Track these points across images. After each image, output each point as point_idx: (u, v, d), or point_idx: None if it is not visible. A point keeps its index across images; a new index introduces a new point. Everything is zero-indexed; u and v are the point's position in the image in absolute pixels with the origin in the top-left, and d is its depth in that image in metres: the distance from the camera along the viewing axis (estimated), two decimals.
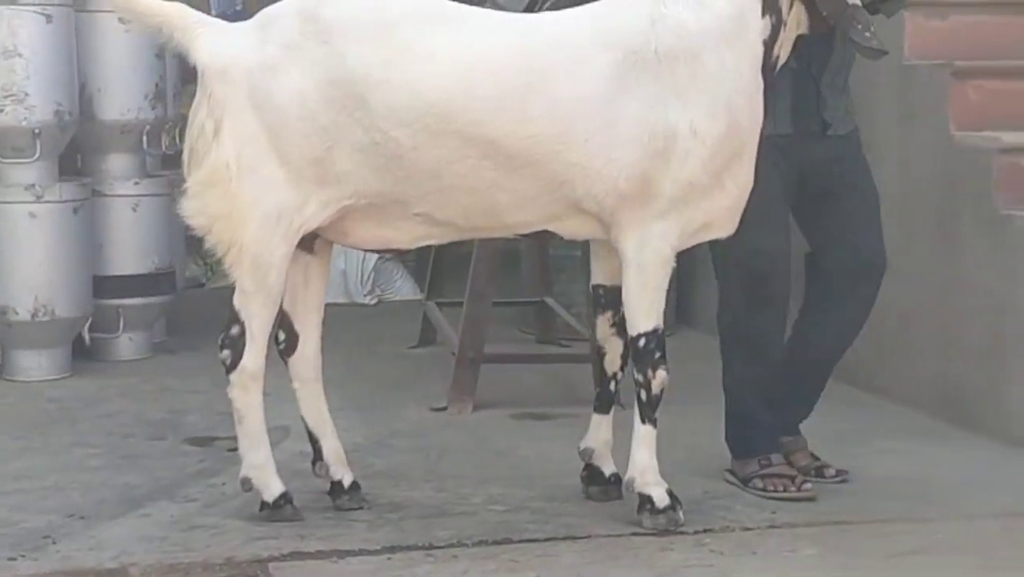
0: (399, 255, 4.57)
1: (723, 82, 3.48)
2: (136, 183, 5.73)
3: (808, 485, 3.87)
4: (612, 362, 3.80)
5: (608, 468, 3.82)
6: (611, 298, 3.74)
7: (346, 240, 3.68)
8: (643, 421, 3.61)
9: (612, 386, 3.82)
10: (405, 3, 3.56)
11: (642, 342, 3.57)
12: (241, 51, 3.52)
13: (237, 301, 3.58)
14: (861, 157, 4.01)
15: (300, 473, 4.03)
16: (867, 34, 3.53)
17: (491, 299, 5.02)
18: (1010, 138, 4.57)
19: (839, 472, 4.01)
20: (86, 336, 5.51)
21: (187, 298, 6.54)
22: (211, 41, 3.56)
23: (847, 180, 3.96)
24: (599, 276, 3.79)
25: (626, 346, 3.70)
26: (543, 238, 3.70)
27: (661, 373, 3.58)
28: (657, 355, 3.57)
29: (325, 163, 3.48)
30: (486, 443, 4.48)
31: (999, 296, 4.49)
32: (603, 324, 3.79)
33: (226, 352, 3.59)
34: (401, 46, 3.45)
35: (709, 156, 3.48)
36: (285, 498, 3.66)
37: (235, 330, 3.58)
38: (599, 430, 3.82)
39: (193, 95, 8.19)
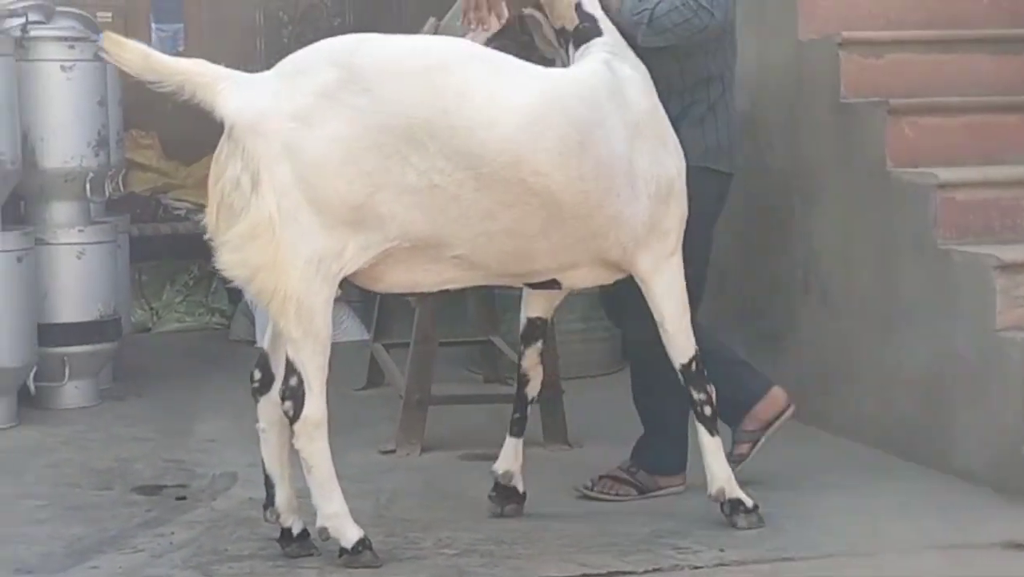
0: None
1: (666, 122, 3.88)
2: (80, 231, 5.70)
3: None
4: (534, 388, 4.06)
5: (521, 486, 4.07)
6: (543, 330, 4.03)
7: (377, 285, 3.71)
8: (712, 434, 3.91)
9: (528, 411, 4.08)
10: (440, 45, 3.70)
11: (694, 366, 3.87)
12: (270, 103, 3.51)
13: (290, 351, 3.57)
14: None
15: (248, 521, 4.04)
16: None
17: (437, 340, 5.03)
18: (945, 174, 4.64)
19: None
20: (31, 385, 5.47)
21: (133, 344, 6.51)
22: (236, 95, 3.52)
23: None
24: (537, 310, 4.03)
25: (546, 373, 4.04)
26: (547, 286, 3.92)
27: (712, 388, 3.89)
28: (706, 372, 3.89)
29: (366, 208, 3.51)
30: (435, 485, 4.48)
31: (938, 329, 4.56)
32: (532, 354, 4.03)
33: (288, 403, 3.58)
34: (456, 90, 3.52)
35: (685, 188, 3.86)
36: (364, 544, 3.64)
37: (293, 381, 3.57)
38: (516, 452, 4.06)
39: (135, 140, 8.16)
